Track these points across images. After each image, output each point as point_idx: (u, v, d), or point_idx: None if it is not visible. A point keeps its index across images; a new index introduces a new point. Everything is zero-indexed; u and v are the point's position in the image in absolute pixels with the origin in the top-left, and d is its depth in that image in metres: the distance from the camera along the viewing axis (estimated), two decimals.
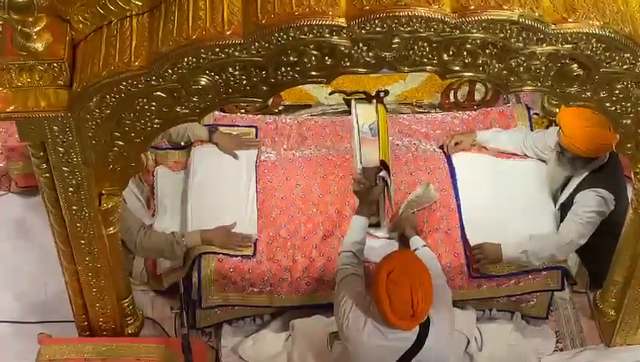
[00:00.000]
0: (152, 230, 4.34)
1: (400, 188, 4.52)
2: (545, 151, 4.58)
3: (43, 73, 3.22)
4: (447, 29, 3.05)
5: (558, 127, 4.33)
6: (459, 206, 4.50)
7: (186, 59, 3.11)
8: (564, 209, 4.38)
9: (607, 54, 3.16)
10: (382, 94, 4.38)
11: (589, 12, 3.08)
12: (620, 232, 4.07)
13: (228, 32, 3.06)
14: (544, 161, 4.61)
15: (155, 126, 3.36)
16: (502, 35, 3.08)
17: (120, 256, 4.00)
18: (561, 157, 4.36)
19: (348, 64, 3.15)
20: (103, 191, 3.62)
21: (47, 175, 3.51)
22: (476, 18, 3.02)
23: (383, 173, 4.17)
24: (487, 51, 3.14)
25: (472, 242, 4.36)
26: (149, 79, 3.17)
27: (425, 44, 3.10)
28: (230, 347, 4.42)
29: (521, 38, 3.09)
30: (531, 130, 4.76)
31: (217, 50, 3.08)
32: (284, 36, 3.03)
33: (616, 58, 3.18)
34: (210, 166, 4.61)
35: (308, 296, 4.35)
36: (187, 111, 3.31)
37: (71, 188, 3.53)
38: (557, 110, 4.65)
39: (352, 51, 3.10)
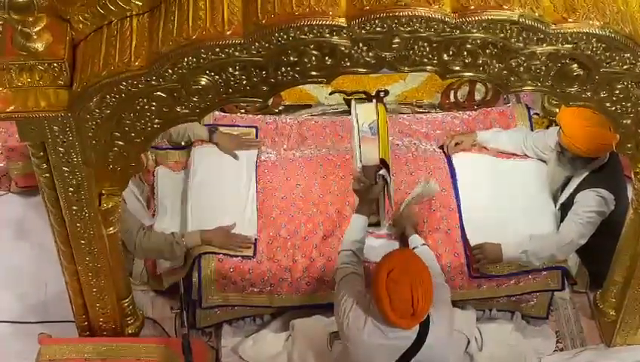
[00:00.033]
0: (151, 231, 4.34)
1: (400, 188, 4.51)
2: (545, 151, 4.58)
3: (43, 73, 3.22)
4: (448, 29, 3.05)
5: (558, 127, 4.33)
6: (459, 206, 4.50)
7: (186, 59, 3.11)
8: (565, 209, 4.38)
9: (608, 54, 3.16)
10: (382, 94, 4.38)
11: (589, 12, 3.08)
12: (620, 232, 4.07)
13: (228, 32, 3.06)
14: (544, 161, 4.61)
15: (155, 126, 3.36)
16: (502, 35, 3.08)
17: (120, 256, 4.00)
18: (562, 157, 4.36)
19: (348, 64, 3.15)
20: (103, 191, 3.62)
21: (48, 175, 3.51)
22: (476, 18, 3.02)
23: (382, 172, 4.16)
24: (487, 51, 3.14)
25: (472, 242, 4.35)
26: (149, 79, 3.17)
27: (425, 44, 3.10)
28: (230, 347, 4.42)
29: (521, 38, 3.09)
30: (531, 130, 4.76)
31: (217, 50, 3.08)
32: (285, 36, 3.03)
33: (617, 58, 3.18)
34: (211, 166, 4.61)
35: (308, 296, 4.35)
36: (187, 111, 3.31)
37: (71, 188, 3.53)
38: (557, 110, 4.65)
39: (352, 51, 3.10)
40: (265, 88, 3.23)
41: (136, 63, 3.15)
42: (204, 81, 3.19)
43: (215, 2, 3.11)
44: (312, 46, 3.08)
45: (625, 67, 3.21)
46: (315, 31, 3.02)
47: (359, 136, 4.24)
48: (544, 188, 4.54)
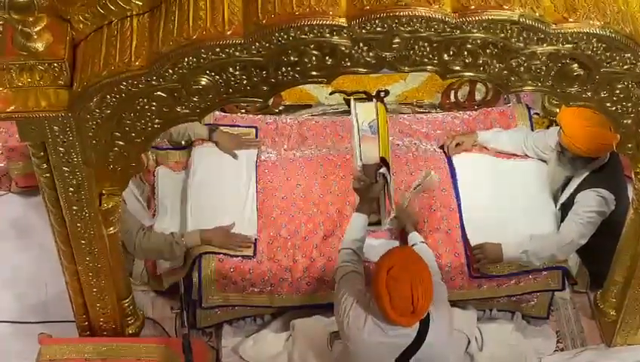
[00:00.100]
0: (151, 231, 4.34)
1: (400, 188, 4.51)
2: (545, 151, 4.58)
3: (43, 73, 3.22)
4: (448, 29, 3.05)
5: (558, 127, 4.33)
6: (459, 206, 4.49)
7: (186, 59, 3.11)
8: (565, 209, 4.38)
9: (608, 54, 3.16)
10: (382, 94, 4.38)
11: (590, 12, 3.08)
12: (620, 232, 4.07)
13: (228, 32, 3.06)
14: (545, 161, 4.61)
15: (155, 126, 3.36)
16: (502, 34, 3.08)
17: (120, 256, 4.00)
18: (562, 157, 4.36)
19: (348, 64, 3.15)
20: (104, 191, 3.62)
21: (48, 175, 3.51)
22: (477, 18, 3.02)
23: (383, 170, 4.17)
24: (487, 51, 3.14)
25: (473, 242, 4.35)
26: (150, 79, 3.17)
27: (425, 44, 3.10)
28: (231, 347, 4.42)
29: (521, 38, 3.09)
30: (532, 130, 4.75)
31: (218, 50, 3.08)
32: (285, 36, 3.03)
33: (617, 58, 3.18)
34: (210, 166, 4.61)
35: (308, 296, 4.35)
36: (188, 111, 3.31)
37: (71, 188, 3.53)
38: (557, 110, 4.65)
39: (353, 51, 3.10)
40: (265, 88, 3.23)
41: (137, 63, 3.15)
42: (204, 81, 3.19)
43: (215, 2, 3.11)
44: (312, 46, 3.08)
45: (625, 67, 3.21)
46: (315, 31, 3.02)
47: (359, 135, 4.24)
48: (544, 188, 4.54)
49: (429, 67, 3.20)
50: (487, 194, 4.53)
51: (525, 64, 3.19)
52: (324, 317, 4.32)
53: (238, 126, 4.83)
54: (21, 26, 3.12)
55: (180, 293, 4.10)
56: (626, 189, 4.29)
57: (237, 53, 3.09)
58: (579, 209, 4.26)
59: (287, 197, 4.53)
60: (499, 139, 4.68)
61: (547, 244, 4.27)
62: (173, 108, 3.30)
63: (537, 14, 3.04)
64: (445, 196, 4.53)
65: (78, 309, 4.13)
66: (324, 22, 3.00)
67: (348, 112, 4.49)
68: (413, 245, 4.15)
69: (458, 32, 3.06)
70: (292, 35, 3.03)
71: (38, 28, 3.14)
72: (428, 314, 3.62)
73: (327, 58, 3.12)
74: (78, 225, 3.68)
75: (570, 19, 3.07)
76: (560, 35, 3.09)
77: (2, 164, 4.91)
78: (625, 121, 3.45)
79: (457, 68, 3.20)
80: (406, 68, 3.19)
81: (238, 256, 4.32)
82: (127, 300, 4.20)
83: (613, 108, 3.39)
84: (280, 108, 5.09)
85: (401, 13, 2.98)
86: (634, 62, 3.20)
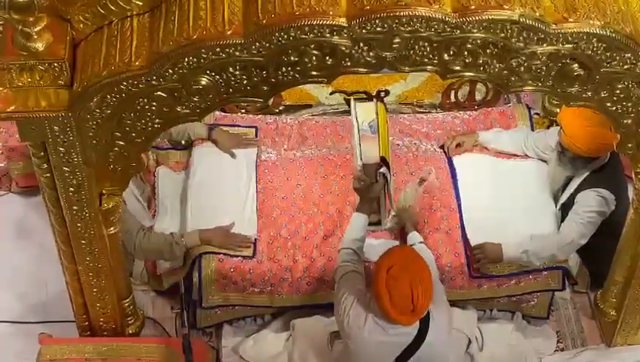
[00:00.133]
0: (151, 232, 4.34)
1: (400, 188, 4.51)
2: (546, 151, 4.58)
3: (43, 73, 3.22)
4: (448, 29, 3.05)
5: (558, 127, 4.33)
6: (459, 206, 4.49)
7: (186, 59, 3.11)
8: (565, 209, 4.38)
9: (608, 54, 3.16)
10: (382, 94, 4.38)
11: (590, 12, 3.08)
12: (620, 232, 4.07)
13: (229, 32, 3.06)
14: (545, 161, 4.61)
15: (155, 126, 3.36)
16: (502, 34, 3.08)
17: (120, 256, 4.00)
18: (562, 157, 4.36)
19: (349, 64, 3.15)
20: (104, 191, 3.62)
21: (48, 175, 3.51)
22: (477, 18, 3.02)
23: (383, 170, 4.17)
24: (487, 51, 3.14)
25: (473, 242, 4.35)
26: (150, 79, 3.17)
27: (425, 43, 3.10)
28: (231, 347, 4.42)
29: (521, 37, 3.09)
30: (532, 130, 4.75)
31: (218, 50, 3.08)
32: (285, 36, 3.03)
33: (617, 58, 3.18)
34: (211, 166, 4.61)
35: (308, 295, 4.35)
36: (188, 111, 3.31)
37: (71, 188, 3.53)
38: (558, 110, 4.65)
39: (353, 51, 3.10)
40: (265, 88, 3.23)
41: (137, 63, 3.15)
42: (204, 80, 3.19)
43: (216, 2, 3.11)
44: (312, 46, 3.08)
45: (625, 67, 3.21)
46: (315, 31, 3.02)
47: (359, 135, 4.24)
48: (545, 188, 4.54)
49: (429, 67, 3.20)
50: (487, 194, 4.53)
51: (525, 64, 3.19)
52: (325, 317, 4.32)
53: (239, 126, 4.83)
54: (21, 26, 3.12)
55: (180, 293, 4.10)
56: (627, 189, 4.29)
57: (237, 53, 3.09)
58: (579, 209, 4.26)
59: (288, 197, 4.53)
60: (500, 139, 4.68)
61: (547, 244, 4.27)
62: (174, 108, 3.30)
63: (537, 14, 3.04)
64: (445, 196, 4.53)
65: (79, 309, 4.13)
66: (325, 22, 3.00)
67: (348, 112, 4.49)
68: (412, 245, 4.15)
69: (458, 31, 3.06)
70: (292, 35, 3.03)
71: (38, 28, 3.14)
72: (428, 312, 3.62)
73: (327, 58, 3.12)
74: (79, 225, 3.68)
75: (571, 19, 3.07)
76: (560, 35, 3.09)
77: (2, 164, 4.91)
78: (625, 121, 3.45)
79: (457, 68, 3.20)
80: (406, 68, 3.19)
81: (238, 256, 4.32)
82: (128, 300, 4.20)
83: (614, 108, 3.39)
84: (280, 108, 5.09)
85: (402, 13, 2.98)
86: (634, 62, 3.20)
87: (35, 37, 3.15)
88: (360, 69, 3.18)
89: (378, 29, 3.03)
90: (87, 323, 4.18)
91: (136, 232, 4.25)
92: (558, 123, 4.35)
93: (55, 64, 3.20)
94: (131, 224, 4.24)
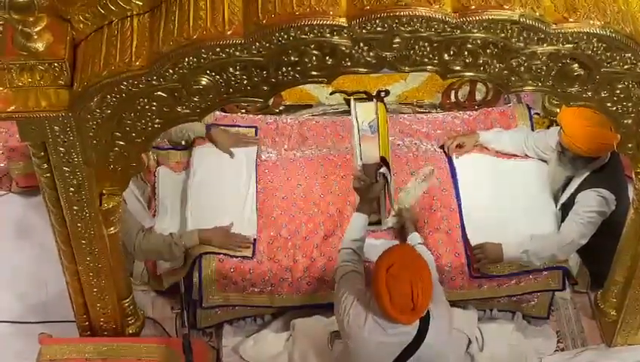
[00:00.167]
0: (150, 232, 4.33)
1: (401, 188, 4.51)
2: (546, 151, 4.58)
3: (44, 73, 3.22)
4: (448, 29, 3.05)
5: (559, 127, 4.33)
6: (460, 206, 4.49)
7: (186, 59, 3.11)
8: (565, 209, 4.38)
9: (608, 54, 3.16)
10: (382, 94, 4.38)
11: (590, 12, 3.08)
12: (621, 232, 4.07)
13: (229, 32, 3.06)
14: (545, 161, 4.61)
15: (156, 126, 3.36)
16: (503, 34, 3.08)
17: (121, 256, 4.00)
18: (562, 157, 4.36)
19: (349, 64, 3.15)
20: (104, 191, 3.62)
21: (48, 175, 3.51)
22: (477, 18, 3.02)
23: (383, 170, 4.17)
24: (487, 51, 3.14)
25: (473, 242, 4.35)
26: (150, 79, 3.17)
27: (426, 43, 3.10)
28: (231, 347, 4.42)
29: (521, 37, 3.09)
30: (532, 130, 4.75)
31: (218, 50, 3.08)
32: (285, 36, 3.03)
33: (617, 58, 3.18)
34: (211, 166, 4.61)
35: (309, 295, 4.35)
36: (188, 111, 3.31)
37: (72, 188, 3.53)
38: (558, 110, 4.65)
39: (353, 51, 3.10)
40: (265, 88, 3.23)
41: (137, 63, 3.15)
42: (204, 80, 3.19)
43: (216, 2, 3.11)
44: (312, 46, 3.08)
45: (626, 67, 3.21)
46: (315, 31, 3.02)
47: (359, 135, 4.24)
48: (545, 188, 4.54)
49: (430, 67, 3.20)
50: (487, 194, 4.53)
51: (525, 64, 3.19)
52: (325, 317, 4.32)
53: (239, 126, 4.83)
54: (21, 26, 3.12)
55: (181, 293, 4.10)
56: (627, 189, 4.28)
57: (237, 53, 3.09)
58: (579, 209, 4.26)
59: (288, 197, 4.53)
60: (500, 139, 4.68)
61: (548, 244, 4.27)
62: (174, 108, 3.30)
63: (537, 14, 3.04)
64: (446, 196, 4.53)
65: (79, 309, 4.13)
66: (325, 22, 3.00)
67: (348, 112, 4.49)
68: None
69: (458, 31, 3.06)
70: (292, 35, 3.03)
71: (38, 28, 3.14)
72: (428, 312, 3.62)
73: (327, 58, 3.12)
74: (79, 225, 3.68)
75: (571, 19, 3.07)
76: (560, 35, 3.09)
77: (3, 164, 4.91)
78: (625, 121, 3.45)
79: (458, 68, 3.20)
80: (406, 68, 3.19)
81: (238, 256, 4.32)
82: (128, 300, 4.20)
83: (614, 108, 3.39)
84: (280, 108, 5.09)
85: (402, 13, 2.98)
86: (634, 62, 3.20)
87: (35, 37, 3.15)
88: (360, 69, 3.18)
89: (378, 29, 3.03)
90: (87, 323, 4.18)
91: (136, 233, 4.25)
92: (558, 123, 4.35)
93: (55, 64, 3.20)
94: (131, 225, 4.24)
